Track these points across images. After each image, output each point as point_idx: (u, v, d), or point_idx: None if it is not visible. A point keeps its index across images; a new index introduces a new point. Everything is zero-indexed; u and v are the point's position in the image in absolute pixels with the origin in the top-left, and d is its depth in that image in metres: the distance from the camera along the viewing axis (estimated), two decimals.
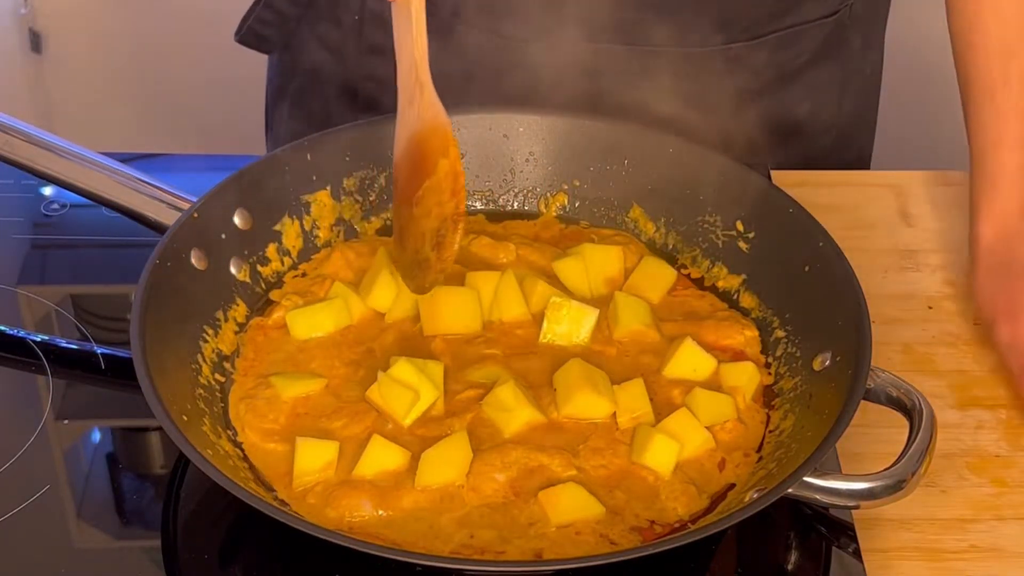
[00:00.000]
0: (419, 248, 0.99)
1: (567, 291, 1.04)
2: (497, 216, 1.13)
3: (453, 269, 1.05)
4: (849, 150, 1.37)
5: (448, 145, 0.98)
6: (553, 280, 1.05)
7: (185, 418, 0.89)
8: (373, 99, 1.29)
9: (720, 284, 1.07)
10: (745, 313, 1.04)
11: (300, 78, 1.36)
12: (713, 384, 0.98)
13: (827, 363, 0.95)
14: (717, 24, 1.22)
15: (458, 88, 1.25)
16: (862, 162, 1.40)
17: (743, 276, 1.06)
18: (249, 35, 1.35)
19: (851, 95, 1.33)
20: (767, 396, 0.99)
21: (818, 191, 1.22)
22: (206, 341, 0.98)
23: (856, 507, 0.88)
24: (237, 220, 1.04)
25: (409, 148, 0.99)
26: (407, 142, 0.99)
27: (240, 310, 1.02)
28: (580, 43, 1.22)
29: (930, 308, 1.12)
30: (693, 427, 0.94)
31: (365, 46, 1.28)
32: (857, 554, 0.91)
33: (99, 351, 1.04)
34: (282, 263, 1.06)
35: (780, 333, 1.01)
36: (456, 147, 0.98)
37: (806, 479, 0.85)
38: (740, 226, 1.06)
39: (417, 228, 0.98)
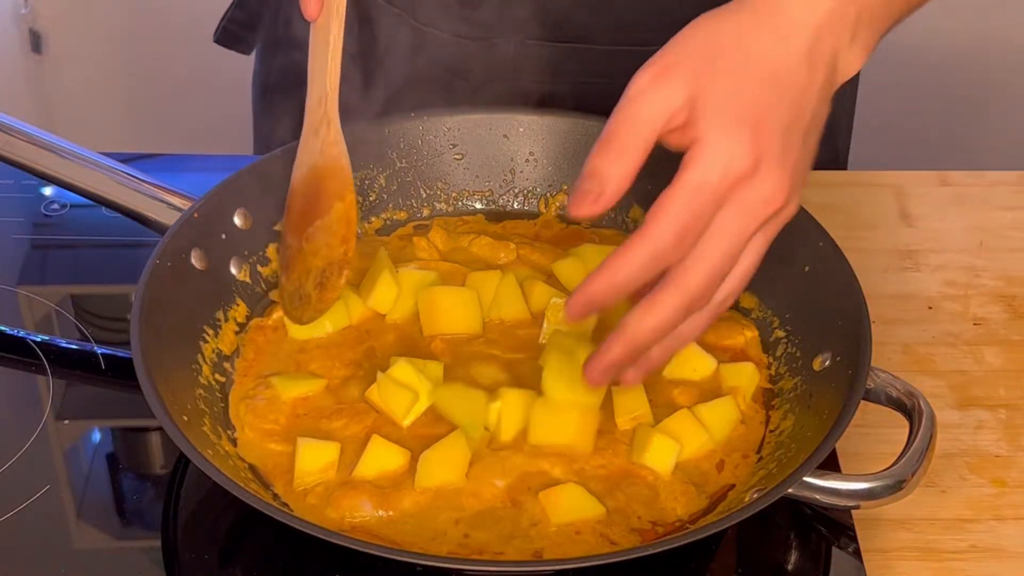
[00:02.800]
0: (303, 282, 0.99)
1: (567, 292, 1.04)
2: (497, 216, 1.13)
3: (454, 269, 1.05)
4: (821, 154, 1.36)
5: (346, 189, 0.99)
6: (553, 281, 1.05)
7: (185, 418, 0.89)
8: (343, 99, 1.28)
9: None
10: (745, 313, 1.04)
11: (277, 77, 1.36)
12: (713, 384, 0.98)
13: (827, 363, 0.95)
14: (670, 23, 1.22)
15: (414, 90, 1.25)
16: (837, 165, 1.40)
17: None
18: (224, 35, 1.36)
19: None
20: (767, 396, 0.99)
21: (818, 191, 1.22)
22: (206, 341, 0.98)
23: (856, 507, 0.88)
24: (237, 220, 1.04)
25: (307, 180, 1.00)
26: (307, 172, 1.00)
27: (240, 310, 1.02)
28: (533, 42, 1.21)
29: (930, 308, 1.12)
30: (693, 427, 0.94)
31: None
32: (857, 554, 0.91)
33: (99, 351, 1.04)
34: None
35: (780, 333, 1.01)
36: (353, 193, 0.99)
37: (806, 479, 0.85)
38: None
39: (304, 263, 0.99)
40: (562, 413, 0.92)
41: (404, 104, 1.21)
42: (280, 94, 1.36)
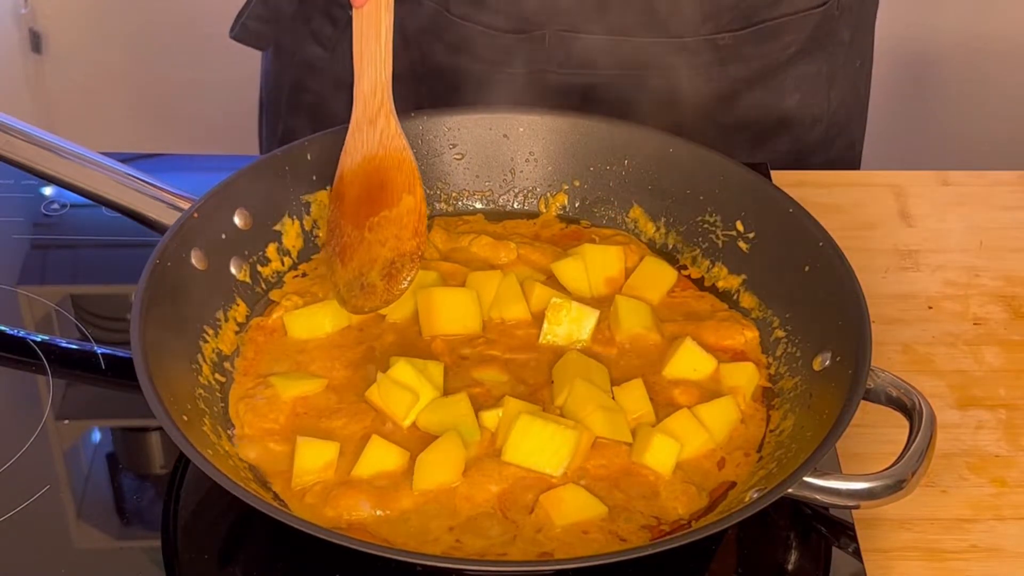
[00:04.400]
0: (365, 272, 0.99)
1: (566, 292, 1.04)
2: (497, 216, 1.13)
3: (454, 269, 1.05)
4: (839, 143, 1.37)
5: (415, 183, 1.00)
6: (553, 281, 1.05)
7: (185, 418, 0.89)
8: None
9: (720, 284, 1.07)
10: (745, 313, 1.04)
11: (295, 74, 1.36)
12: (713, 384, 0.98)
13: (827, 363, 0.95)
14: (705, 13, 1.22)
15: (446, 83, 1.25)
16: (853, 155, 1.40)
17: (743, 276, 1.06)
18: (243, 31, 1.35)
19: (840, 88, 1.33)
20: (767, 396, 0.99)
21: (818, 191, 1.22)
22: (206, 341, 0.98)
23: (856, 507, 0.88)
24: (237, 220, 1.03)
25: (365, 168, 1.00)
26: (363, 160, 1.00)
27: (240, 310, 1.02)
28: (566, 34, 1.22)
29: (930, 308, 1.12)
30: (693, 427, 0.94)
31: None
32: (857, 554, 0.91)
33: (99, 351, 1.04)
34: (282, 263, 1.06)
35: (780, 333, 1.01)
36: (422, 187, 0.99)
37: (806, 479, 0.85)
38: (740, 226, 1.06)
39: (368, 252, 0.99)
40: (543, 436, 0.91)
41: (437, 97, 1.21)
42: (298, 91, 1.36)
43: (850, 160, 1.39)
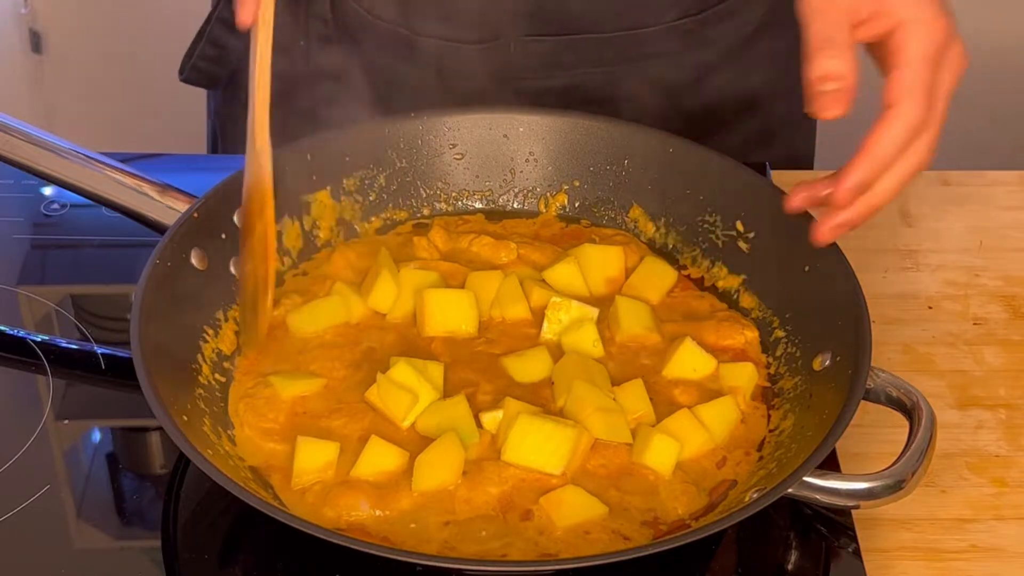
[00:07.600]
0: (244, 310, 0.99)
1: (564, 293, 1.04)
2: (497, 216, 1.13)
3: (454, 269, 1.05)
4: (805, 124, 1.36)
5: (264, 206, 0.97)
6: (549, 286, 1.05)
7: (185, 418, 0.89)
8: (330, 123, 1.26)
9: (720, 284, 1.07)
10: (745, 313, 1.04)
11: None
12: (713, 384, 0.98)
13: (827, 363, 0.95)
14: (665, 4, 1.22)
15: (413, 99, 1.24)
16: (813, 136, 1.40)
17: (743, 276, 1.06)
18: (194, 73, 1.32)
19: (799, 60, 1.33)
20: (767, 396, 0.99)
21: None
22: (206, 341, 0.98)
23: (856, 507, 0.88)
24: (237, 220, 1.03)
25: (245, 197, 0.99)
26: (244, 190, 0.99)
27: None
28: (529, 39, 1.21)
29: (930, 308, 1.12)
30: (693, 427, 0.94)
31: (315, 72, 1.25)
32: (857, 554, 0.91)
33: (99, 351, 1.04)
34: (282, 263, 1.06)
35: (780, 333, 1.01)
36: (272, 208, 0.97)
37: (806, 479, 0.85)
38: (740, 226, 1.07)
39: (242, 289, 0.99)
40: (542, 435, 0.91)
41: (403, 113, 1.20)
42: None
43: (811, 143, 1.39)
